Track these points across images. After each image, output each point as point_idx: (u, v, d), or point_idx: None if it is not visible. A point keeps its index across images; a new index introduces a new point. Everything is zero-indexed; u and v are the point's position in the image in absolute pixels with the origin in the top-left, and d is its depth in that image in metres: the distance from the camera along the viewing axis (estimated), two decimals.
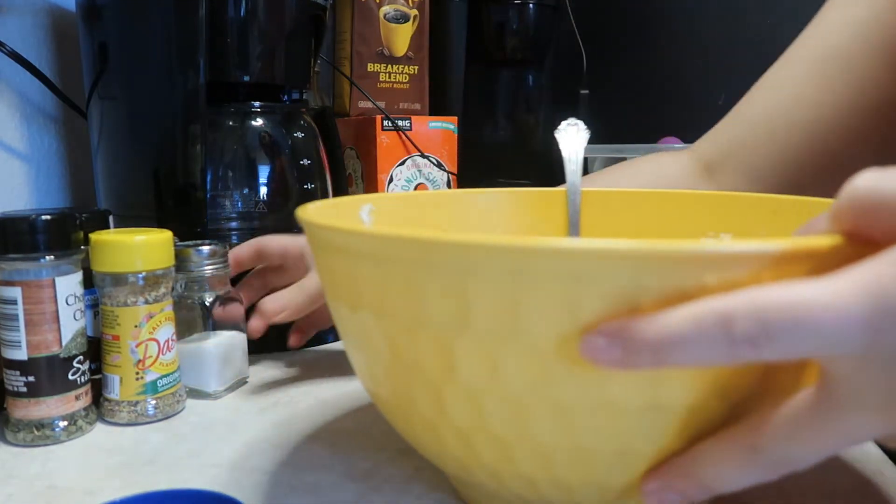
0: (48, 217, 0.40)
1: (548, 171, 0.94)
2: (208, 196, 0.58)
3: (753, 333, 0.20)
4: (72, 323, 0.41)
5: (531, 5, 1.00)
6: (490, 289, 0.23)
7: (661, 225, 0.44)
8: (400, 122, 0.81)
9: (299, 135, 0.64)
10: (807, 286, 0.20)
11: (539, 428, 0.25)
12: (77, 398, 0.41)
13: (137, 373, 0.43)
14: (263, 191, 0.61)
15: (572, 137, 0.47)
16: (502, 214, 0.46)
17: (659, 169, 0.60)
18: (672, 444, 0.25)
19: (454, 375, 0.25)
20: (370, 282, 0.26)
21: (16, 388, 0.40)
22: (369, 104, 0.86)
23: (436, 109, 0.92)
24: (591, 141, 0.92)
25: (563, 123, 0.49)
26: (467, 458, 0.28)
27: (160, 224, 0.47)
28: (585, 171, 0.94)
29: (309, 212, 0.31)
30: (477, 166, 0.96)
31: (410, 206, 0.44)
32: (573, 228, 0.45)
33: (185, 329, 0.48)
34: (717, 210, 0.42)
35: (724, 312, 0.20)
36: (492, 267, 0.23)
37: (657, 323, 0.21)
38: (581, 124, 0.48)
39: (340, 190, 0.68)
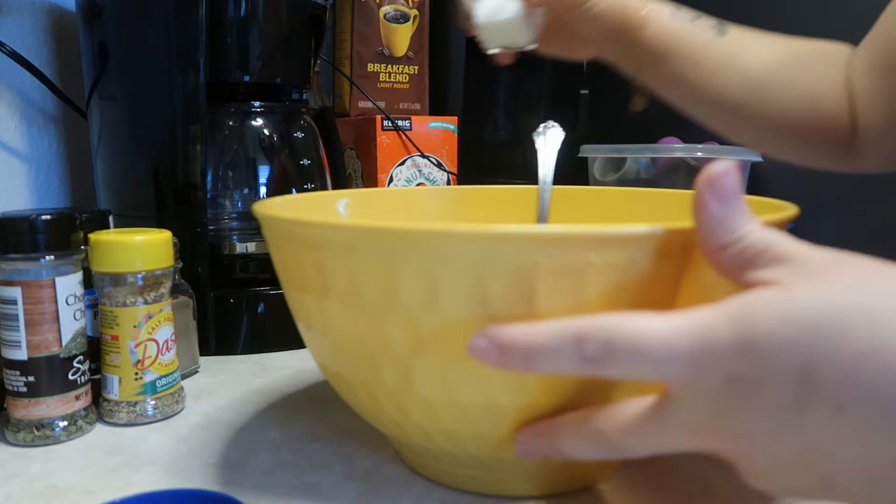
0: (48, 217, 0.40)
1: None
2: (208, 196, 0.58)
3: (598, 355, 0.23)
4: (72, 323, 0.41)
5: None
6: (370, 261, 0.28)
7: (621, 218, 0.48)
8: (400, 122, 0.81)
9: (299, 135, 0.64)
10: (651, 320, 0.23)
11: (424, 386, 0.30)
12: (77, 398, 0.41)
13: (136, 373, 0.43)
14: (263, 191, 0.62)
15: (549, 139, 0.51)
16: (475, 208, 0.52)
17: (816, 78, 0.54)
18: (534, 399, 0.29)
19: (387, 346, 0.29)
20: (312, 266, 0.30)
21: (16, 388, 0.40)
22: (369, 104, 0.86)
23: (436, 109, 0.92)
24: (592, 141, 0.92)
25: (541, 126, 0.52)
26: (401, 420, 0.32)
27: (160, 224, 0.47)
28: (584, 171, 0.94)
29: (266, 206, 0.35)
30: (477, 166, 0.96)
31: (388, 201, 0.49)
32: (541, 221, 0.49)
33: None
34: (674, 205, 0.46)
35: (579, 333, 0.24)
36: (411, 249, 0.27)
37: (527, 333, 0.25)
38: (557, 126, 0.51)
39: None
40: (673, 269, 0.27)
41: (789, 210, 0.32)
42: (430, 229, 0.26)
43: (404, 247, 0.27)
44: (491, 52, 0.50)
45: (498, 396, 0.29)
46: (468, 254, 0.26)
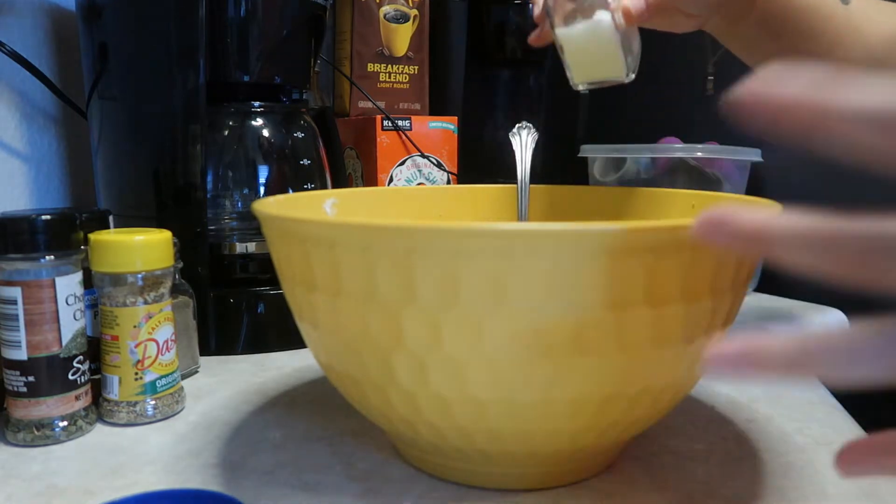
0: (48, 217, 0.40)
1: (546, 170, 0.93)
2: (208, 196, 0.58)
3: None
4: (72, 323, 0.41)
5: (531, 5, 1.00)
6: (389, 260, 0.28)
7: (621, 217, 0.49)
8: (400, 122, 0.81)
9: (299, 135, 0.64)
10: None
11: (439, 382, 0.30)
12: (77, 398, 0.41)
13: (136, 373, 0.43)
14: (263, 191, 0.62)
15: (524, 139, 0.51)
16: (461, 207, 0.53)
17: None
18: (550, 394, 0.29)
19: (402, 342, 0.30)
20: (324, 265, 0.30)
21: (16, 388, 0.40)
22: (369, 104, 0.86)
23: (436, 109, 0.92)
24: (591, 141, 0.92)
25: (516, 127, 0.52)
26: (412, 416, 0.32)
27: (160, 224, 0.47)
28: (585, 171, 0.94)
29: (268, 205, 0.35)
30: (477, 166, 0.95)
31: (375, 200, 0.51)
32: (522, 219, 0.51)
33: None
34: (674, 205, 0.47)
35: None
36: (390, 243, 0.28)
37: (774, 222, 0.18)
38: (531, 127, 0.53)
39: None
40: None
41: (774, 210, 0.32)
42: (451, 227, 0.27)
43: (423, 244, 0.27)
44: (580, 88, 0.44)
45: (513, 391, 0.29)
46: (488, 250, 0.27)
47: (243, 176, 0.61)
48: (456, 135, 0.86)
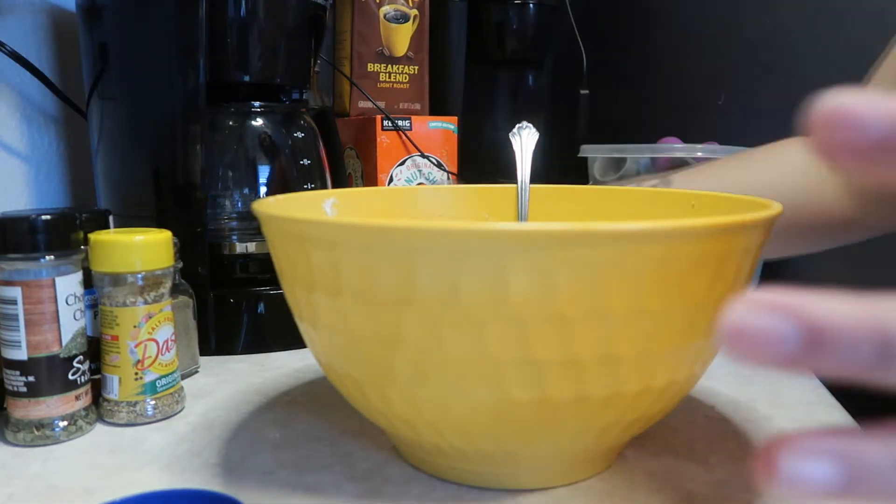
0: (48, 217, 0.40)
1: (546, 169, 0.94)
2: (208, 196, 0.58)
3: None
4: (72, 323, 0.41)
5: (531, 5, 1.00)
6: (389, 260, 0.28)
7: (622, 217, 0.49)
8: (400, 122, 0.81)
9: (299, 135, 0.64)
10: None
11: (438, 380, 0.30)
12: (77, 398, 0.41)
13: (136, 373, 0.43)
14: (263, 191, 0.62)
15: (524, 139, 0.52)
16: (460, 207, 0.53)
17: (782, 168, 0.54)
18: (548, 393, 0.29)
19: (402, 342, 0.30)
20: (324, 265, 0.30)
21: (16, 388, 0.40)
22: (369, 104, 0.86)
23: (436, 109, 0.92)
24: (591, 141, 0.92)
25: (516, 127, 0.53)
26: (412, 416, 0.32)
27: (160, 224, 0.47)
28: (585, 170, 0.94)
29: (268, 205, 0.35)
30: (477, 166, 0.95)
31: (375, 200, 0.51)
32: (522, 219, 0.51)
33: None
34: (675, 205, 0.47)
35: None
36: (390, 243, 0.28)
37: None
38: (532, 127, 0.52)
39: None
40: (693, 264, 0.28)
41: (776, 208, 0.32)
42: (451, 227, 0.27)
43: (423, 244, 0.27)
44: None
45: (512, 391, 0.29)
46: (488, 250, 0.27)
47: (243, 176, 0.61)
48: (456, 135, 0.86)
